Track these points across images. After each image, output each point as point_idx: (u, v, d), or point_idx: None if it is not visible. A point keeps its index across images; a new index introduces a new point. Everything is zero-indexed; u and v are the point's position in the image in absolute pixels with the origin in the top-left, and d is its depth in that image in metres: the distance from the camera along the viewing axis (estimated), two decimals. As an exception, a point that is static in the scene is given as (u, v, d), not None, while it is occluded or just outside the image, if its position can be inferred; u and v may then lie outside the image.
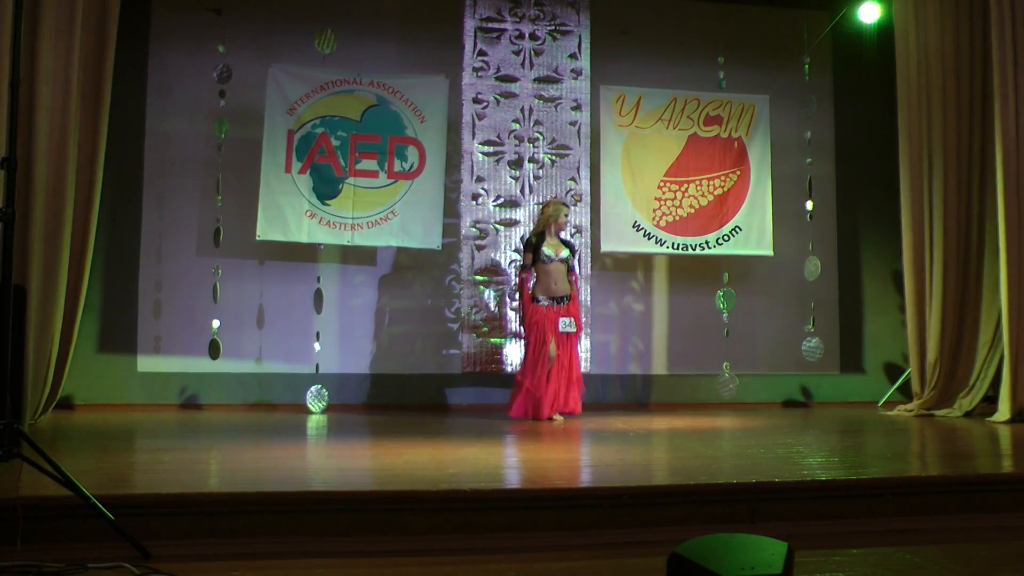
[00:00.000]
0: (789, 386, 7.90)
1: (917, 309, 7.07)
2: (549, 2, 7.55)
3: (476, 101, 7.41)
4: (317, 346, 7.01)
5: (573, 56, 7.57)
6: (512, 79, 7.48)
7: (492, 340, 7.30)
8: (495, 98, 7.44)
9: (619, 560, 3.13)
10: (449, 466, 4.16)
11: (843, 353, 8.03)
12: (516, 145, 7.45)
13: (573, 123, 7.54)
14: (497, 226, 7.40)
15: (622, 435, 5.57)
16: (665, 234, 7.31)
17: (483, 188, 7.38)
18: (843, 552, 3.22)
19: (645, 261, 7.81)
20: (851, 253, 8.16)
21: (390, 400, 7.28)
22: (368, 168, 6.95)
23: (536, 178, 7.46)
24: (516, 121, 7.45)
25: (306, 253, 7.14)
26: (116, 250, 7.05)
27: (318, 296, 7.02)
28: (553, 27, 7.56)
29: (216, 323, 6.86)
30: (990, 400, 6.65)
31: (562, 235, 6.68)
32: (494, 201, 7.40)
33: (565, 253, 6.55)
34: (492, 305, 7.34)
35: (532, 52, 7.51)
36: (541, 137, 7.47)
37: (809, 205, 7.71)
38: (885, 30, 7.50)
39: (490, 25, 7.49)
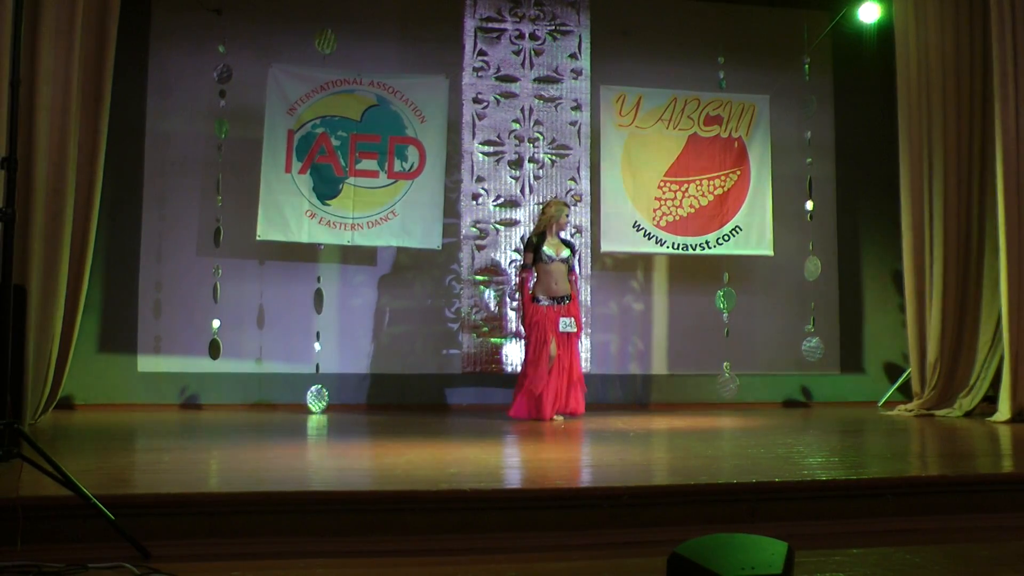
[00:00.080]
0: (789, 386, 7.90)
1: (917, 309, 7.07)
2: (549, 2, 7.56)
3: (476, 101, 7.42)
4: (317, 346, 7.01)
5: (573, 56, 7.57)
6: (512, 79, 7.48)
7: (492, 340, 7.30)
8: (495, 98, 7.44)
9: (619, 560, 3.13)
10: (449, 466, 4.16)
11: (843, 353, 8.03)
12: (516, 145, 7.45)
13: (573, 123, 7.54)
14: (497, 226, 7.40)
15: (622, 435, 5.57)
16: (665, 234, 7.31)
17: (483, 188, 7.38)
18: (843, 552, 3.22)
19: (645, 261, 7.81)
20: (851, 253, 8.16)
21: (390, 400, 7.29)
22: (368, 168, 6.95)
23: (536, 178, 7.46)
24: (516, 121, 7.45)
25: (306, 253, 7.14)
26: (116, 250, 7.06)
27: (318, 296, 7.02)
28: (553, 27, 7.56)
29: (216, 323, 6.87)
30: (990, 400, 6.65)
31: (562, 235, 6.68)
32: (494, 201, 7.40)
33: (566, 253, 6.55)
34: (492, 305, 7.34)
35: (532, 52, 7.52)
36: (541, 137, 7.47)
37: (809, 205, 7.71)
38: (885, 30, 7.50)
39: (490, 25, 7.49)
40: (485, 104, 7.43)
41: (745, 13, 8.01)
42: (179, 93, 7.23)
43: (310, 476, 4.12)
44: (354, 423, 6.34)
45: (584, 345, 7.21)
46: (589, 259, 7.51)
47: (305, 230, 6.84)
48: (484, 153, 7.41)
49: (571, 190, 7.49)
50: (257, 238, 6.82)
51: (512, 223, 7.41)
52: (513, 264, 7.31)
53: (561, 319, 6.43)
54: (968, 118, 6.89)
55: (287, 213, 6.81)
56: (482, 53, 7.45)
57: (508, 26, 7.50)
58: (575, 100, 7.55)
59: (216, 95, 7.02)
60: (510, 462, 4.64)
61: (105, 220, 6.62)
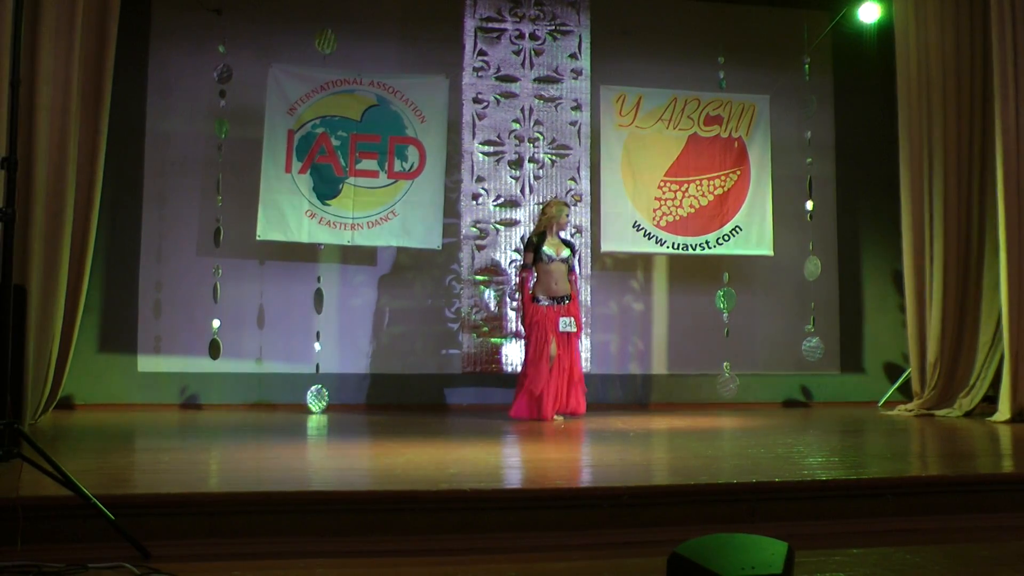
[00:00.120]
0: (789, 386, 7.90)
1: (917, 309, 7.08)
2: (549, 2, 7.56)
3: (476, 101, 7.42)
4: (317, 346, 7.01)
5: (573, 56, 7.57)
6: (512, 79, 7.48)
7: (492, 340, 7.30)
8: (495, 98, 7.44)
9: (619, 560, 3.13)
10: (449, 466, 4.16)
11: (843, 353, 8.03)
12: (516, 145, 7.45)
13: (573, 123, 7.54)
14: (497, 226, 7.40)
15: (622, 435, 5.57)
16: (665, 234, 7.31)
17: (483, 188, 7.38)
18: (843, 552, 3.22)
19: (645, 261, 7.81)
20: (851, 253, 8.16)
21: (390, 400, 7.29)
22: (368, 168, 6.95)
23: (536, 178, 7.46)
24: (516, 121, 7.45)
25: (306, 253, 7.14)
26: (116, 250, 7.06)
27: (318, 296, 7.02)
28: (553, 27, 7.56)
29: (216, 323, 6.87)
30: (990, 400, 6.65)
31: (562, 235, 6.68)
32: (494, 201, 7.40)
33: (566, 253, 6.54)
34: (492, 305, 7.34)
35: (532, 52, 7.52)
36: (541, 137, 7.47)
37: (809, 205, 7.71)
38: (885, 30, 7.50)
39: (490, 25, 7.49)
40: (485, 104, 7.43)
41: (745, 13, 8.00)
42: (179, 93, 7.23)
43: (310, 476, 4.12)
44: (354, 423, 6.34)
45: (584, 345, 7.21)
46: (589, 259, 7.51)
47: (305, 230, 6.84)
48: (484, 153, 7.41)
49: (571, 190, 7.49)
50: (257, 238, 6.82)
51: (512, 223, 7.41)
52: (513, 264, 7.31)
53: (561, 319, 6.43)
54: (968, 118, 6.89)
55: (287, 213, 6.80)
56: (482, 53, 7.46)
57: (508, 26, 7.50)
58: (575, 100, 7.55)
59: (216, 95, 7.02)
60: (510, 462, 4.64)
61: (105, 220, 6.62)
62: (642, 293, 7.86)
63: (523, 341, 6.79)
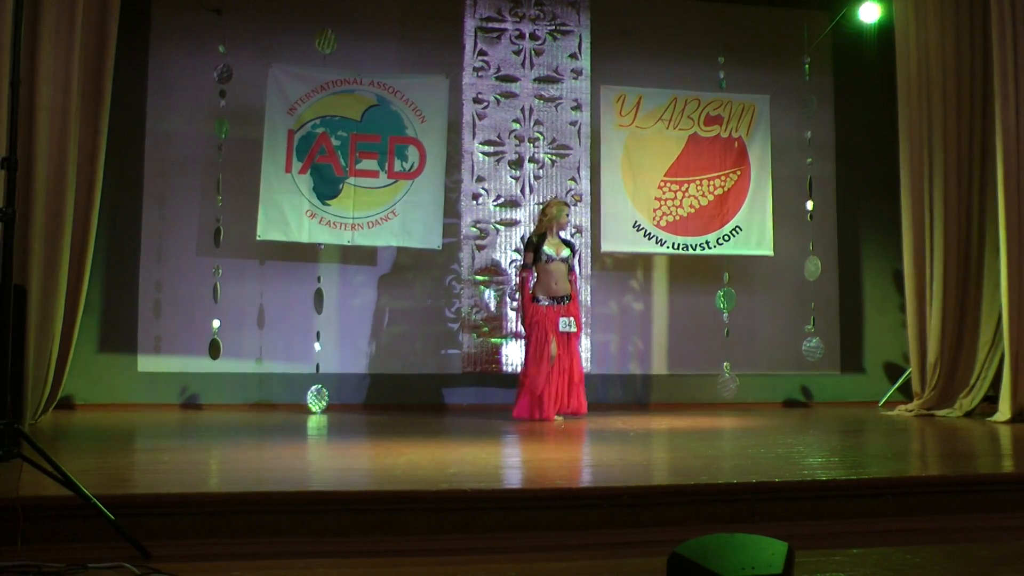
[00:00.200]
0: (789, 386, 7.90)
1: (917, 309, 7.07)
2: (549, 2, 7.56)
3: (476, 101, 7.42)
4: (317, 346, 7.01)
5: (573, 56, 7.57)
6: (512, 79, 7.48)
7: (492, 340, 7.30)
8: (495, 98, 7.44)
9: (619, 560, 3.13)
10: (449, 466, 4.16)
11: (843, 353, 8.03)
12: (516, 145, 7.45)
13: (573, 123, 7.54)
14: (497, 226, 7.40)
15: (622, 435, 5.57)
16: (665, 234, 7.31)
17: (483, 188, 7.38)
18: (843, 552, 3.22)
19: (645, 261, 7.81)
20: (851, 253, 8.16)
21: (390, 400, 7.29)
22: (368, 168, 6.95)
23: (536, 178, 7.46)
24: (516, 121, 7.45)
25: (306, 253, 7.14)
26: (116, 250, 7.06)
27: (318, 296, 7.02)
28: (553, 27, 7.56)
29: (216, 323, 6.87)
30: (990, 400, 6.65)
31: (563, 235, 6.68)
32: (494, 201, 7.40)
33: (566, 252, 6.54)
34: (492, 305, 7.34)
35: (532, 52, 7.52)
36: (541, 137, 7.48)
37: (809, 205, 7.71)
38: (885, 30, 7.50)
39: (490, 25, 7.49)
40: (485, 104, 7.43)
41: (745, 13, 8.00)
42: (179, 93, 7.23)
43: (310, 476, 4.12)
44: (354, 423, 6.34)
45: (584, 345, 7.21)
46: (589, 259, 7.51)
47: (305, 230, 6.84)
48: (484, 153, 7.41)
49: (571, 190, 7.49)
50: (257, 238, 6.82)
51: (512, 223, 7.41)
52: (513, 264, 7.31)
53: (561, 319, 6.43)
54: (968, 118, 6.89)
55: (287, 213, 6.81)
56: (482, 53, 7.46)
57: (508, 26, 7.50)
58: (575, 100, 7.55)
59: (216, 95, 7.02)
60: (510, 462, 4.64)
61: (105, 220, 6.62)
62: (642, 293, 7.86)
63: (523, 341, 6.79)
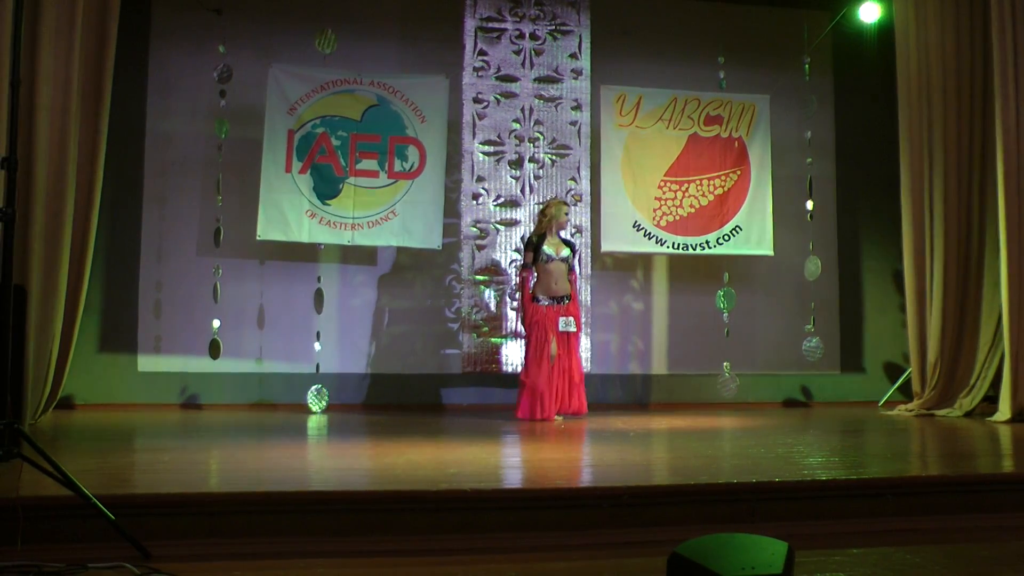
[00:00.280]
0: (789, 386, 7.90)
1: (917, 309, 7.08)
2: (549, 2, 7.56)
3: (476, 101, 7.42)
4: (317, 346, 7.01)
5: (573, 56, 7.57)
6: (512, 79, 7.48)
7: (492, 340, 7.30)
8: (495, 98, 7.44)
9: (619, 560, 3.13)
10: (449, 466, 4.16)
11: (843, 353, 8.03)
12: (516, 145, 7.45)
13: (573, 123, 7.54)
14: (497, 226, 7.40)
15: (622, 435, 5.57)
16: (665, 234, 7.31)
17: (483, 188, 7.38)
18: (843, 552, 3.22)
19: (645, 261, 7.81)
20: (851, 253, 8.16)
21: (390, 400, 7.29)
22: (368, 168, 6.95)
23: (536, 178, 7.46)
24: (516, 121, 7.45)
25: (306, 253, 7.14)
26: (116, 250, 7.06)
27: (318, 296, 7.02)
28: (553, 27, 7.56)
29: (216, 323, 6.87)
30: (990, 400, 6.65)
31: (562, 234, 6.68)
32: (494, 201, 7.40)
33: (566, 252, 6.55)
34: (492, 305, 7.35)
35: (532, 52, 7.52)
36: (541, 137, 7.48)
37: (809, 205, 7.71)
38: (885, 30, 7.50)
39: (490, 25, 7.49)
40: (485, 104, 7.43)
41: (745, 13, 8.00)
42: (179, 93, 7.23)
43: (310, 476, 4.12)
44: (354, 423, 6.34)
45: (584, 345, 7.21)
46: (589, 259, 7.51)
47: (305, 230, 6.84)
48: (484, 153, 7.41)
49: (571, 190, 7.49)
50: (257, 238, 6.82)
51: (512, 223, 7.41)
52: (513, 264, 7.31)
53: (561, 319, 6.43)
54: (968, 118, 6.89)
55: (287, 213, 6.81)
56: (482, 53, 7.46)
57: (508, 26, 7.50)
58: (575, 100, 7.55)
59: (216, 95, 7.02)
60: (510, 462, 4.64)
61: (105, 220, 6.61)
62: (642, 293, 7.86)
63: (523, 341, 6.79)
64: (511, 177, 7.44)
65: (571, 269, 6.62)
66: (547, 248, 6.48)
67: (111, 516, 2.97)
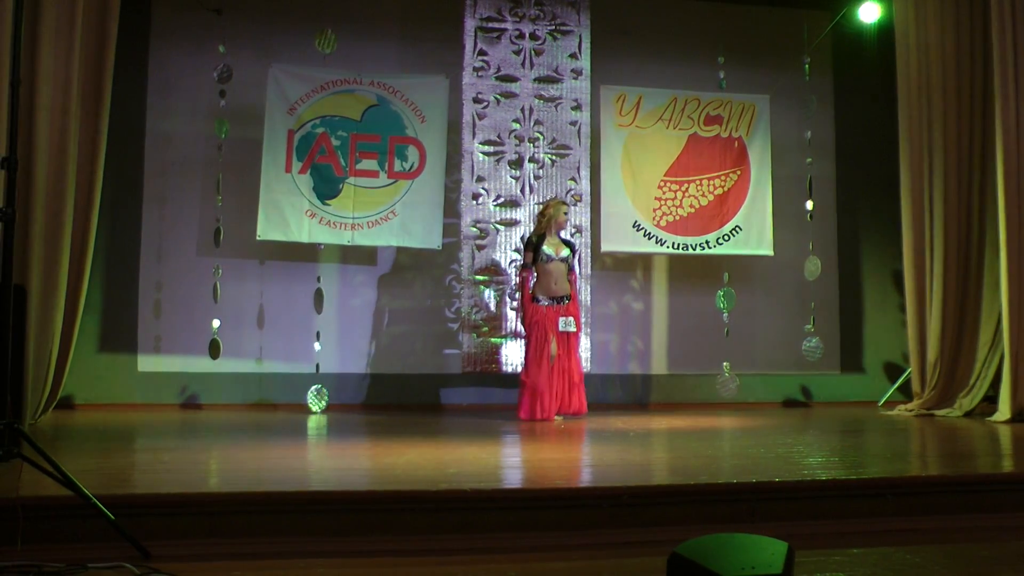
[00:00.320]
0: (789, 386, 7.90)
1: (917, 309, 7.08)
2: (549, 2, 7.56)
3: (476, 101, 7.42)
4: (317, 346, 7.01)
5: (573, 56, 7.57)
6: (512, 79, 7.48)
7: (492, 340, 7.30)
8: (495, 98, 7.44)
9: (619, 560, 3.13)
10: (449, 466, 4.16)
11: (843, 353, 8.03)
12: (516, 145, 7.45)
13: (573, 123, 7.54)
14: (497, 226, 7.40)
15: (622, 435, 5.57)
16: (665, 234, 7.31)
17: (483, 188, 7.38)
18: (843, 552, 3.22)
19: (645, 261, 7.81)
20: (851, 253, 8.16)
21: (390, 400, 7.28)
22: (368, 168, 6.95)
23: (536, 178, 7.46)
24: (516, 121, 7.45)
25: (306, 253, 7.14)
26: (116, 250, 7.05)
27: (318, 296, 7.02)
28: (553, 27, 7.56)
29: (216, 323, 6.87)
30: (990, 400, 6.65)
31: (562, 234, 6.68)
32: (494, 201, 7.40)
33: (565, 252, 6.55)
34: (492, 305, 7.35)
35: (532, 52, 7.52)
36: (541, 137, 7.48)
37: (809, 205, 7.71)
38: (885, 30, 7.50)
39: (490, 25, 7.49)
40: (485, 104, 7.43)
41: (745, 13, 8.00)
42: (179, 93, 7.23)
43: (310, 476, 4.12)
44: (354, 423, 6.34)
45: (584, 345, 7.21)
46: (589, 259, 7.51)
47: (305, 230, 6.84)
48: (484, 153, 7.41)
49: (571, 190, 7.49)
50: (257, 238, 6.82)
51: (512, 223, 7.41)
52: (513, 264, 7.31)
53: (560, 319, 6.43)
54: (968, 118, 6.89)
55: (287, 213, 6.81)
56: (482, 53, 7.46)
57: (508, 26, 7.50)
58: (575, 100, 7.55)
59: (216, 95, 7.01)
60: (510, 462, 4.64)
61: (105, 220, 6.61)
62: (642, 293, 7.86)
63: (523, 341, 6.79)
64: (511, 177, 7.44)
65: (571, 269, 6.62)
66: (547, 248, 6.48)
67: (111, 516, 2.97)
